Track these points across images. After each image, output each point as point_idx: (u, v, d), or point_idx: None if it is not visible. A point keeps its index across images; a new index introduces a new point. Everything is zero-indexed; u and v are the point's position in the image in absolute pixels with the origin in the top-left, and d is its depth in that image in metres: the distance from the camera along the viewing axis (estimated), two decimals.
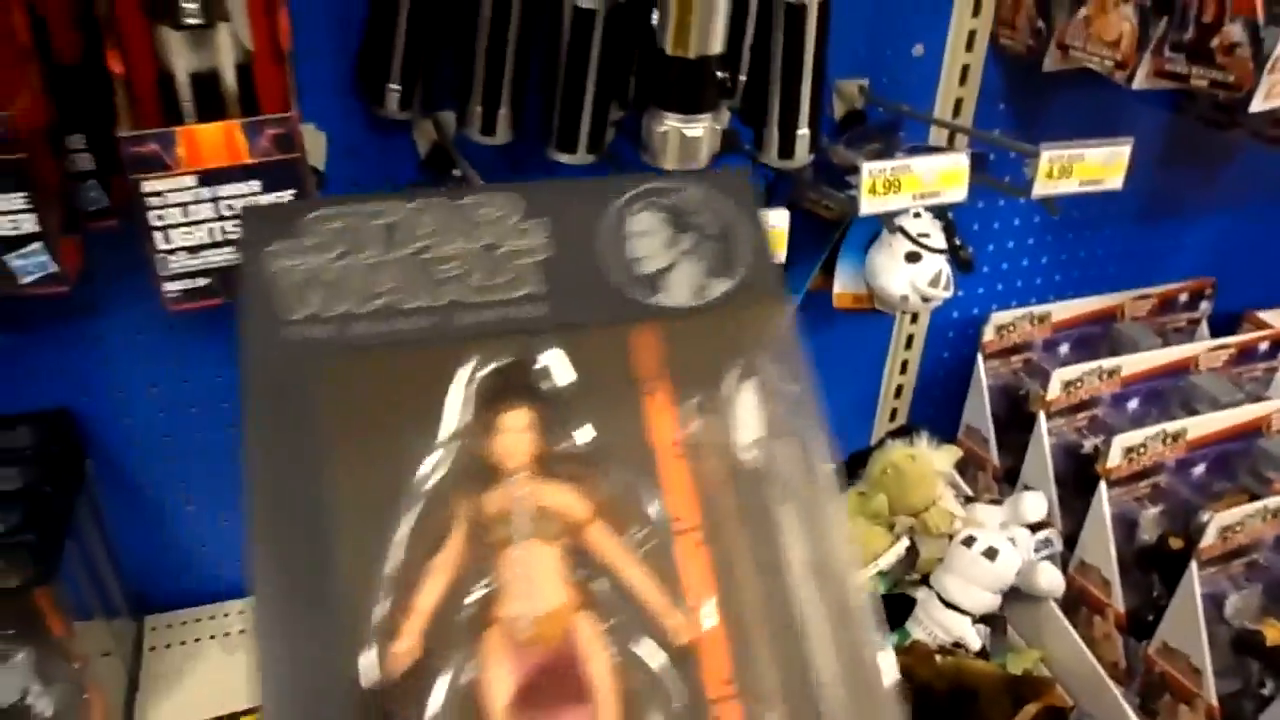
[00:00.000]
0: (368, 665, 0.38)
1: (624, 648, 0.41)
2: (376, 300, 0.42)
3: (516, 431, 0.42)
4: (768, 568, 0.42)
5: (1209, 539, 1.13)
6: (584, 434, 0.43)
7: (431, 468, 0.41)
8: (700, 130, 0.87)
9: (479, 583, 0.41)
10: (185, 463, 1.21)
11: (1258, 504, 1.15)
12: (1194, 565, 1.13)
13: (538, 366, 0.43)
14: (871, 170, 0.88)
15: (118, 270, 1.03)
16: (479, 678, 0.39)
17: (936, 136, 1.30)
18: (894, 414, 1.58)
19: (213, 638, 1.26)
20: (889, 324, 1.50)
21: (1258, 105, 0.95)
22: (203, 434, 1.20)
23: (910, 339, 1.51)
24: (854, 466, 1.31)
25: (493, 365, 0.43)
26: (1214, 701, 1.14)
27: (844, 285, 1.22)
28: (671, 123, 0.87)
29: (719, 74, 0.85)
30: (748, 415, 0.44)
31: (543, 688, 0.40)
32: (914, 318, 1.49)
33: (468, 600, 0.40)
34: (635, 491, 0.43)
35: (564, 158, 0.96)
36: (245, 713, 1.12)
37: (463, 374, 0.42)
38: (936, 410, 1.60)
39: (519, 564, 0.41)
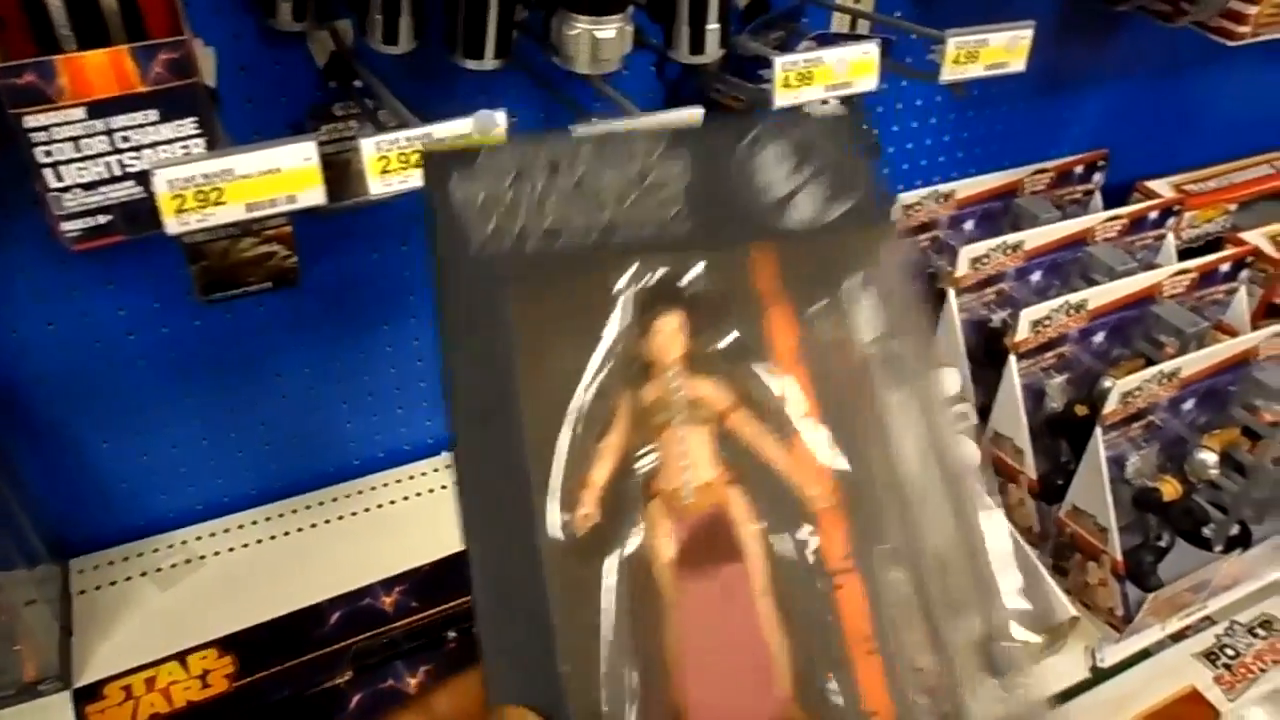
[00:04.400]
0: (554, 527, 0.46)
1: (769, 517, 0.48)
2: (547, 219, 0.49)
3: (668, 333, 0.49)
4: (882, 446, 0.49)
5: (1111, 404, 1.18)
6: (724, 336, 0.50)
7: (598, 364, 0.48)
8: (611, 31, 0.84)
9: (644, 459, 0.48)
10: (94, 400, 1.17)
11: (1154, 369, 1.21)
12: (1098, 430, 1.19)
13: (685, 278, 0.50)
14: (784, 64, 0.87)
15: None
16: (646, 541, 0.47)
17: (839, 22, 1.29)
18: None
19: (143, 575, 1.24)
20: None
21: None
22: (109, 369, 1.16)
23: None
24: None
25: (648, 275, 0.50)
26: (1119, 557, 1.21)
27: None
28: (582, 25, 0.84)
29: None
30: (866, 315, 0.51)
31: (702, 549, 0.47)
32: None
33: (635, 472, 0.48)
34: (763, 386, 0.50)
35: (471, 64, 0.93)
36: (190, 651, 1.11)
37: (622, 282, 0.49)
38: None
39: (677, 442, 0.48)
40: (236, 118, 1.04)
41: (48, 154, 0.67)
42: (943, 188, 1.50)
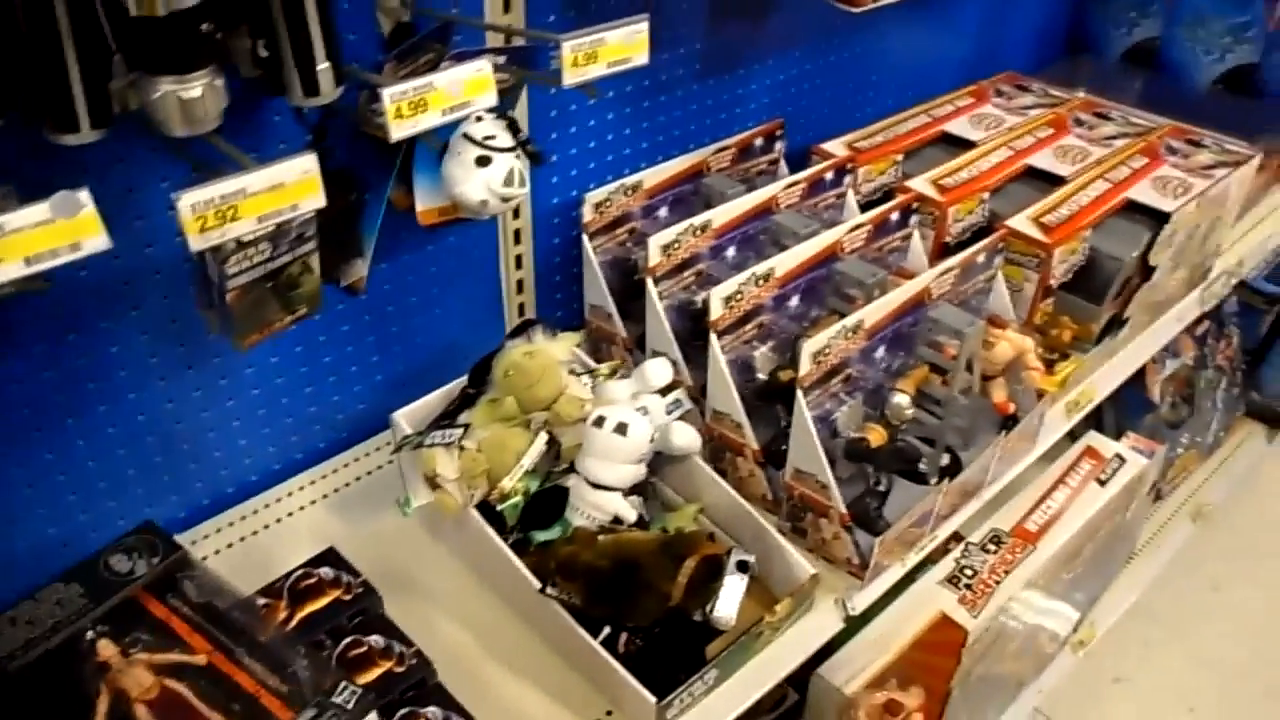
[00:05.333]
0: None
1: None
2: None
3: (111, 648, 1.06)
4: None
5: (805, 366, 1.23)
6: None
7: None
8: (198, 89, 0.81)
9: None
10: None
11: (838, 325, 1.26)
12: (799, 393, 1.23)
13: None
14: (393, 95, 0.86)
15: None
16: None
17: (493, 38, 1.29)
18: (523, 309, 1.60)
19: None
20: (494, 224, 1.50)
21: None
22: None
23: (518, 234, 1.52)
24: (480, 374, 1.31)
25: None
26: (843, 510, 1.26)
27: (425, 201, 1.20)
28: (166, 86, 0.80)
29: (204, 25, 0.79)
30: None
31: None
32: (516, 213, 1.50)
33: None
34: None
35: (68, 139, 0.86)
36: None
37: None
38: (564, 295, 1.64)
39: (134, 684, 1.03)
40: None
41: None
42: (630, 180, 1.52)
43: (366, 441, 1.53)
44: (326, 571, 1.18)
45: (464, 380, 1.34)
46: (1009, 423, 1.44)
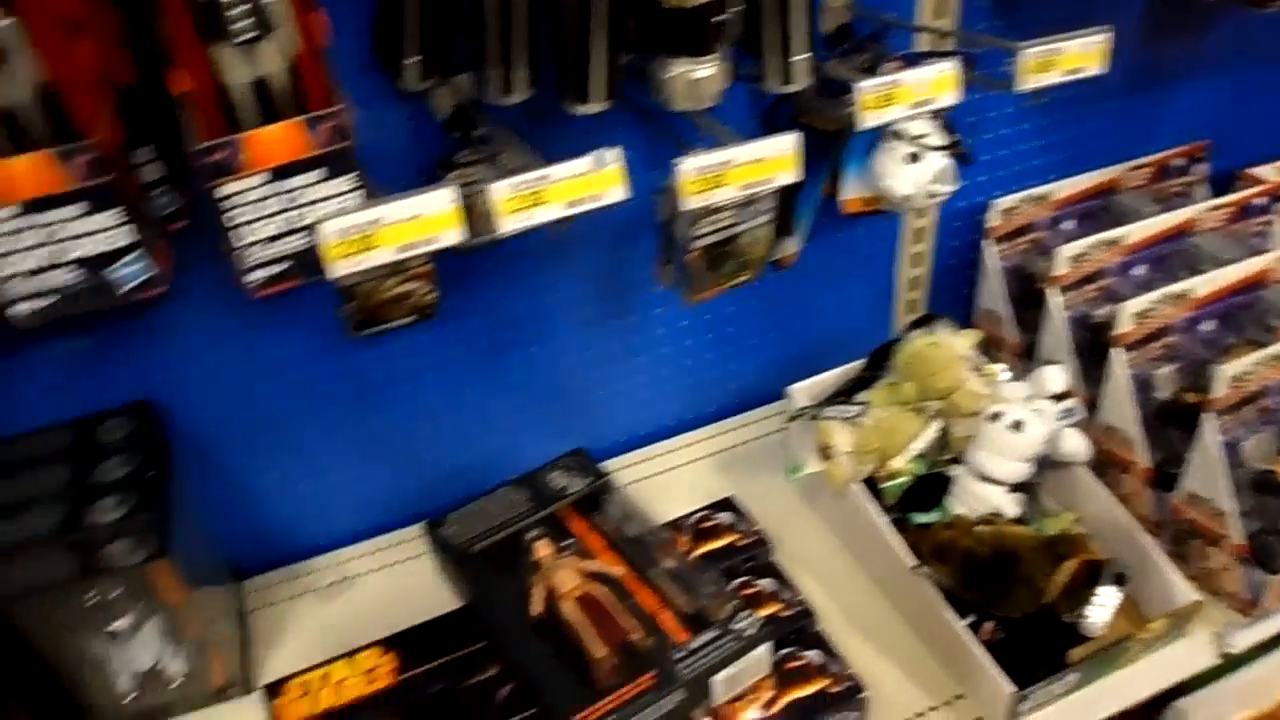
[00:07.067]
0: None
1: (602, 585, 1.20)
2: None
3: (544, 545, 1.25)
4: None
5: (1221, 389, 1.20)
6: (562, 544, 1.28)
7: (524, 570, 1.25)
8: (707, 70, 0.93)
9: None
10: (258, 435, 1.31)
11: (1264, 351, 1.22)
12: (1210, 415, 1.21)
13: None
14: (865, 89, 0.95)
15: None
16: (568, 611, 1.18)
17: (922, 42, 1.35)
18: (913, 305, 1.66)
19: (306, 592, 1.37)
20: (896, 220, 1.56)
21: None
22: (270, 405, 1.29)
23: (920, 232, 1.58)
24: (879, 359, 1.38)
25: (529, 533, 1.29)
26: (1240, 541, 1.23)
27: (851, 191, 1.29)
28: (679, 68, 0.93)
29: (715, 17, 0.91)
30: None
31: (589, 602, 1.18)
32: (922, 212, 1.55)
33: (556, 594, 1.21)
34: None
35: (580, 109, 1.02)
36: (355, 651, 1.23)
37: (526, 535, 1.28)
38: (953, 297, 1.67)
39: (557, 574, 1.20)
40: (372, 172, 1.15)
41: (235, 217, 0.79)
42: (1039, 190, 1.54)
43: (753, 411, 1.64)
44: (725, 517, 1.31)
45: (860, 363, 1.41)
46: None
